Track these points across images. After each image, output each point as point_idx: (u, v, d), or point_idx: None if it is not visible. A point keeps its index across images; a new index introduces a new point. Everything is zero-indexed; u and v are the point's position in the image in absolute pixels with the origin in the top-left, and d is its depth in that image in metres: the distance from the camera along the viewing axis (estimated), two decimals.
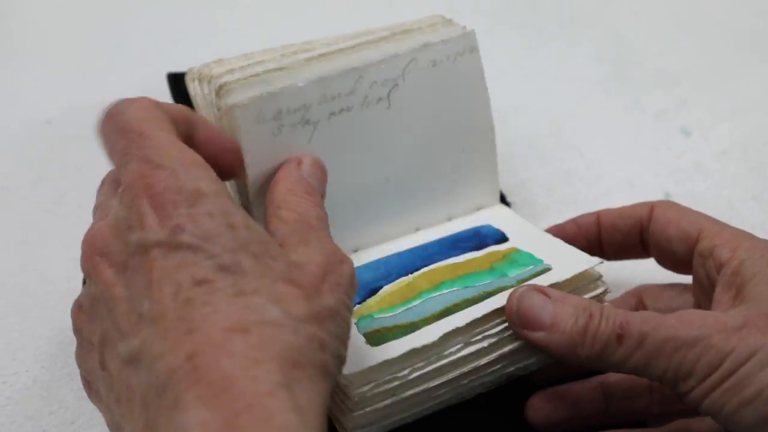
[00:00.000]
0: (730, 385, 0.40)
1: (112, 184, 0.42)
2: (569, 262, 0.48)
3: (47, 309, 0.54)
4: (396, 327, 0.45)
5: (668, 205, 0.49)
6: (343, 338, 0.37)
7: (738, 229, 0.47)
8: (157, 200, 0.35)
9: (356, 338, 0.44)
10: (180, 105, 0.42)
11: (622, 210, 0.51)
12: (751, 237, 0.46)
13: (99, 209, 0.41)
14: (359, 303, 0.47)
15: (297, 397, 0.32)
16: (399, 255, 0.51)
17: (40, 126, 0.65)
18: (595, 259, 0.48)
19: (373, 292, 0.48)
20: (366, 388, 0.43)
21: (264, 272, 0.35)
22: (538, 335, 0.43)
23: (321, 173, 0.45)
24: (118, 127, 0.38)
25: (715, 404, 0.40)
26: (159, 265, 0.34)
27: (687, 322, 0.41)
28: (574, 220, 0.53)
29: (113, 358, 0.35)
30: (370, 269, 0.50)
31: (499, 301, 0.45)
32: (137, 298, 0.35)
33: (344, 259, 0.38)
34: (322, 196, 0.44)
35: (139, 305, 0.34)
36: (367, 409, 0.43)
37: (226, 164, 0.43)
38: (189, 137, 0.41)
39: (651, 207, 0.50)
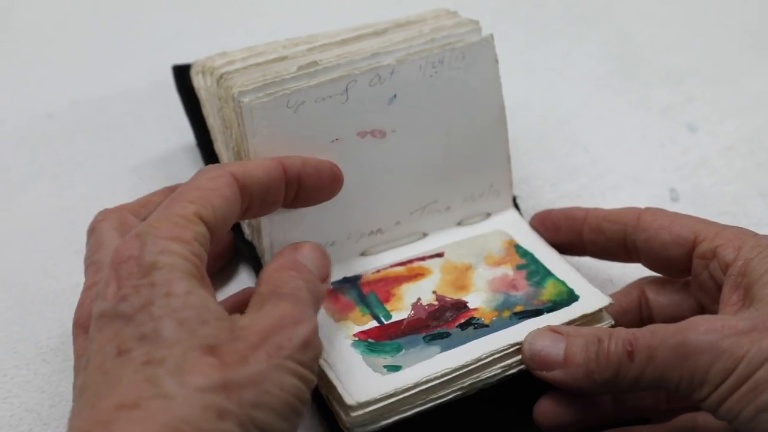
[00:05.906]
0: (746, 391, 0.40)
1: None
2: (582, 293, 0.49)
3: (48, 302, 0.54)
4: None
5: (656, 211, 0.49)
6: (268, 404, 0.36)
7: (736, 227, 0.47)
8: (119, 271, 0.38)
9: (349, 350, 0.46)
10: (269, 162, 0.44)
11: (608, 213, 0.50)
12: (753, 234, 0.46)
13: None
14: None
15: None
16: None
17: (42, 119, 0.65)
18: (608, 298, 0.48)
19: None
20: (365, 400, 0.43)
21: (182, 339, 0.36)
22: (554, 374, 0.44)
23: (319, 258, 0.44)
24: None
25: (731, 410, 0.40)
26: (98, 336, 0.37)
27: (694, 329, 0.41)
28: (563, 211, 0.52)
29: None
30: None
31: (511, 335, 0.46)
32: (81, 370, 0.38)
33: (300, 321, 0.38)
34: (323, 279, 0.43)
35: (81, 375, 0.38)
36: (368, 410, 0.43)
37: (328, 184, 0.47)
38: (298, 182, 0.45)
39: (638, 214, 0.49)
